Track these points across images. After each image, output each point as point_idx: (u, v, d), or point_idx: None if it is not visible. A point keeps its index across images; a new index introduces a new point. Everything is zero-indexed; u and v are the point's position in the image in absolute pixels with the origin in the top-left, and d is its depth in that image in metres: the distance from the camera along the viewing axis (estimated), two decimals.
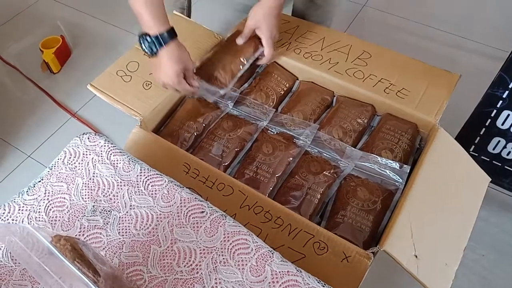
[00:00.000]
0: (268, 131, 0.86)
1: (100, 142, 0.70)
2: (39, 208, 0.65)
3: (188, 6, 1.28)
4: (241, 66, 0.92)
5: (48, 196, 0.66)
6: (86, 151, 0.70)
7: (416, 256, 0.65)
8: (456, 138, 0.81)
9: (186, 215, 0.63)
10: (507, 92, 0.85)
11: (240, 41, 0.92)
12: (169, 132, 0.86)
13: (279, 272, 0.56)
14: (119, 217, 0.64)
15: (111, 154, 0.69)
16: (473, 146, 0.99)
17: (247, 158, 0.83)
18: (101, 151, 0.69)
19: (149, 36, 0.79)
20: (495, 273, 1.03)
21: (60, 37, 1.52)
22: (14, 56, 1.60)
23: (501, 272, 1.03)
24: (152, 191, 0.65)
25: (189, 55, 0.84)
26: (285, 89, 0.94)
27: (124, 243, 0.62)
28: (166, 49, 0.79)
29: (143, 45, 0.80)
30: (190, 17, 1.29)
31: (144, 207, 0.64)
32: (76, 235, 0.63)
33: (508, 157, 0.95)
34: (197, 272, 0.58)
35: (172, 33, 0.80)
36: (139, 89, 0.87)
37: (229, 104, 0.90)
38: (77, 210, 0.65)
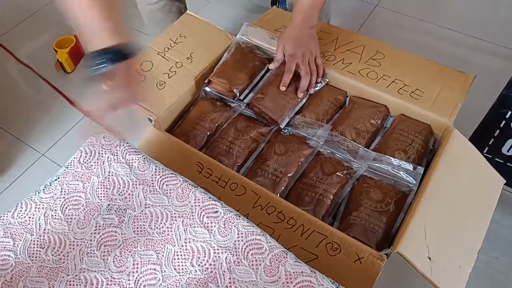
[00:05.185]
0: (281, 132, 0.87)
1: (115, 141, 0.71)
2: (55, 206, 0.66)
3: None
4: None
5: (64, 194, 0.67)
6: (102, 150, 0.70)
7: (430, 258, 0.65)
8: (470, 140, 0.81)
9: (200, 215, 0.63)
10: None
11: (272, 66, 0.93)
12: (182, 131, 0.87)
13: (293, 272, 0.56)
14: (134, 216, 0.64)
15: (126, 153, 0.69)
16: (487, 148, 0.98)
17: (259, 158, 0.83)
18: (117, 150, 0.70)
19: None
20: (508, 276, 1.02)
21: (73, 36, 1.54)
22: (28, 55, 1.62)
23: None
24: (167, 190, 0.66)
25: None
26: None
27: (139, 241, 0.62)
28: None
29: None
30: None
31: (158, 206, 0.65)
32: (91, 233, 0.64)
33: None
34: (211, 271, 0.58)
35: None
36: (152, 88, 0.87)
37: (241, 104, 0.91)
38: (92, 209, 0.66)
